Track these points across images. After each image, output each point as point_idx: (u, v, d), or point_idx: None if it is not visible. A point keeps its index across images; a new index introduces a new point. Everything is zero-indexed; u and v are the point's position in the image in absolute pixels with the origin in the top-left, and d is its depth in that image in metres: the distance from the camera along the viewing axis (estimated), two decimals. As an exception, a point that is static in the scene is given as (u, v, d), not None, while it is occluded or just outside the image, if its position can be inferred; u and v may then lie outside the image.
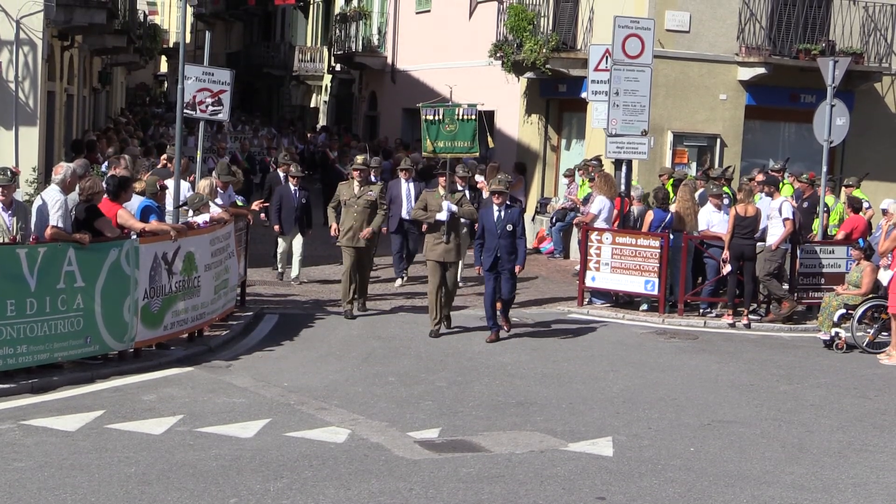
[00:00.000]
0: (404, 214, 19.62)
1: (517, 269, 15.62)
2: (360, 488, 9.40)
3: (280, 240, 19.70)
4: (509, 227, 15.31)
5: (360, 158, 17.94)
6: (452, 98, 17.70)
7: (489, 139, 16.95)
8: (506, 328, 15.96)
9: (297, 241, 19.45)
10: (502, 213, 15.40)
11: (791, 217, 17.58)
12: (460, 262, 16.43)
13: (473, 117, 16.48)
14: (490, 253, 15.38)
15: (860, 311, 16.23)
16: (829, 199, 19.73)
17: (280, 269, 19.79)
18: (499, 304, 15.87)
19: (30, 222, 12.67)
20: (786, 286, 18.15)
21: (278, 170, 21.47)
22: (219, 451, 10.17)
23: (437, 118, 16.48)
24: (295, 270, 19.55)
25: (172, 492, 9.07)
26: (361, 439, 10.78)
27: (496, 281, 15.50)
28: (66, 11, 21.69)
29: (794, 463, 10.72)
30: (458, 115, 16.46)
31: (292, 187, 19.50)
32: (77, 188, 13.25)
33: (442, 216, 15.78)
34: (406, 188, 19.92)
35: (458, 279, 16.51)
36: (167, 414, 11.29)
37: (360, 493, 9.29)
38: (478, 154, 17.55)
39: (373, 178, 19.30)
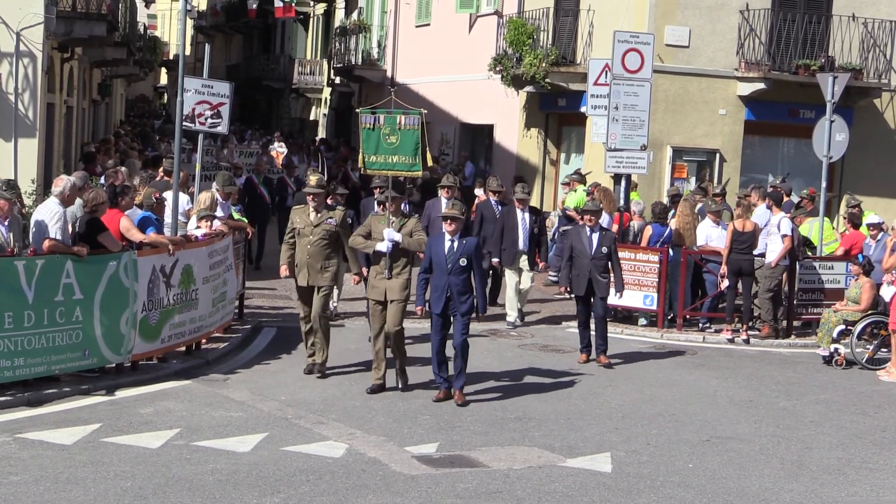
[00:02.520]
0: None
1: (478, 315, 13.25)
2: (357, 503, 9.36)
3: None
4: (462, 262, 12.78)
5: (313, 179, 14.60)
6: (426, 109, 16.48)
7: (428, 157, 13.81)
8: (457, 398, 12.81)
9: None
10: (455, 244, 12.89)
11: (790, 234, 17.56)
12: (406, 302, 13.38)
13: (416, 127, 13.55)
14: (439, 292, 12.83)
15: (859, 327, 16.20)
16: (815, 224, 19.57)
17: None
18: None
19: (26, 235, 12.65)
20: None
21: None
22: (216, 466, 10.12)
23: (376, 126, 13.77)
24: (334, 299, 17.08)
25: (169, 506, 9.04)
26: (359, 454, 10.75)
27: (446, 328, 12.95)
28: (66, 23, 21.75)
29: (793, 480, 10.68)
30: (400, 123, 13.60)
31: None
32: (79, 201, 13.24)
33: (382, 247, 13.20)
34: (445, 206, 17.86)
35: (401, 321, 13.27)
36: (164, 427, 11.25)
37: (358, 508, 9.25)
38: (419, 174, 14.44)
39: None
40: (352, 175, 27.53)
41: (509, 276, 17.92)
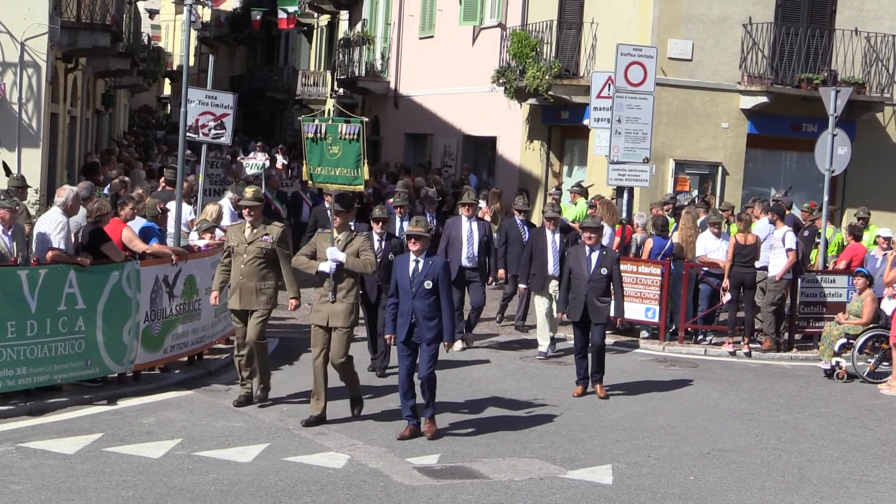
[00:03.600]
0: (464, 261, 16.52)
1: (446, 345, 11.97)
2: (359, 514, 9.37)
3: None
4: (428, 284, 11.57)
5: (249, 192, 13.19)
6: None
7: (366, 169, 12.53)
8: (427, 431, 11.80)
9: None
10: (420, 265, 11.70)
11: (794, 247, 17.58)
12: (352, 330, 12.20)
13: (356, 136, 12.37)
14: (404, 318, 11.72)
15: (861, 340, 16.20)
16: (829, 230, 19.71)
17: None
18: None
19: (29, 244, 12.68)
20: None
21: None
22: (217, 476, 10.13)
23: (318, 136, 12.58)
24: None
25: (170, 516, 9.05)
26: (360, 465, 10.75)
27: (413, 356, 11.81)
28: (70, 34, 21.81)
29: (794, 493, 10.68)
30: (341, 132, 12.41)
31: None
32: (83, 210, 13.28)
33: (325, 267, 11.99)
34: (468, 228, 16.70)
35: (347, 351, 12.10)
36: (166, 437, 11.26)
37: (359, 519, 9.25)
38: (361, 188, 13.05)
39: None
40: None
41: (539, 303, 16.62)
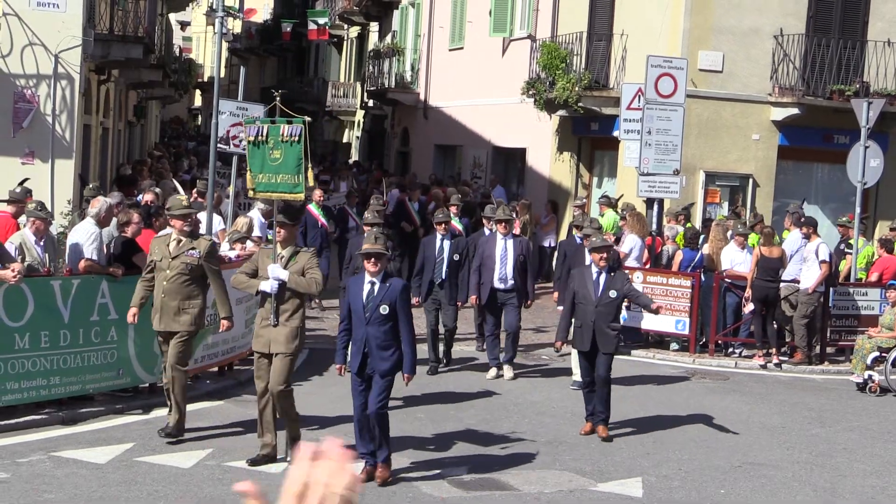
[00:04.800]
0: (496, 282, 15.44)
1: (406, 378, 10.63)
2: (388, 526, 9.37)
3: None
4: (384, 309, 10.33)
5: (182, 199, 12.07)
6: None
7: (310, 174, 11.41)
8: (380, 476, 10.53)
9: None
10: (375, 287, 10.44)
11: (828, 260, 17.48)
12: (295, 357, 11.08)
13: (298, 138, 11.03)
14: (357, 347, 10.50)
15: (894, 354, 16.09)
16: (859, 241, 19.57)
17: None
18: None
19: (61, 254, 12.78)
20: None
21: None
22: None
23: (260, 138, 11.20)
24: None
25: (201, 526, 9.08)
26: (390, 476, 10.75)
27: (368, 389, 10.55)
28: (103, 46, 21.97)
29: (826, 507, 10.61)
30: (283, 134, 11.06)
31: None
32: (115, 221, 13.38)
33: (266, 287, 10.77)
34: (503, 246, 15.56)
35: (288, 379, 10.87)
36: (196, 448, 11.30)
37: (388, 530, 9.26)
38: (302, 197, 11.51)
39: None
40: (410, 208, 24.11)
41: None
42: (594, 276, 12.60)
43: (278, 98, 11.33)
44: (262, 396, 10.92)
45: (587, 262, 13.77)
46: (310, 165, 11.19)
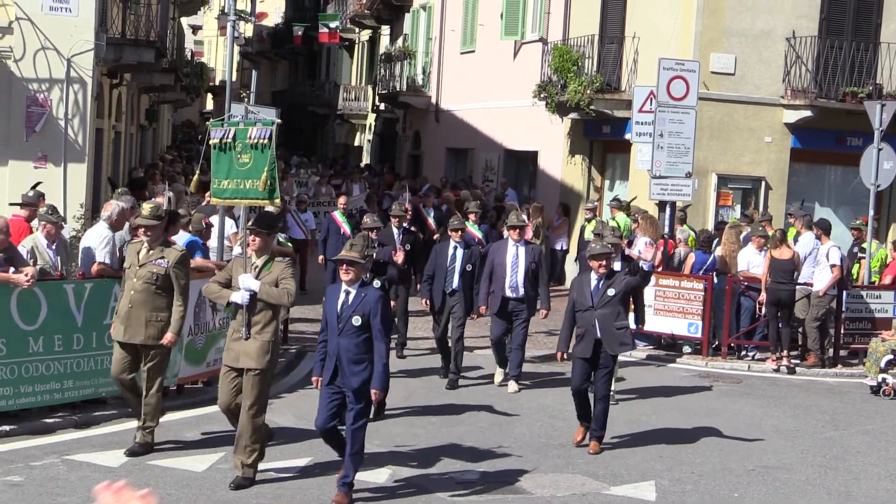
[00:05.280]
0: (507, 291, 14.81)
1: (374, 393, 9.95)
2: (401, 529, 9.36)
3: None
4: (356, 320, 9.82)
5: (146, 208, 11.36)
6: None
7: (276, 177, 10.48)
8: (335, 500, 9.82)
9: (399, 317, 15.92)
10: (350, 297, 9.93)
11: (839, 263, 17.44)
12: (268, 374, 10.46)
13: (267, 140, 10.45)
14: (330, 358, 9.98)
15: (907, 357, 16.05)
16: (873, 244, 19.52)
17: None
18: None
19: (73, 258, 12.80)
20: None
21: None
22: (260, 489, 10.16)
23: (226, 140, 10.67)
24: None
25: (214, 529, 9.07)
26: (402, 479, 10.75)
27: (339, 404, 9.98)
28: (115, 50, 22.03)
29: (841, 511, 10.57)
30: (251, 136, 10.47)
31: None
32: (128, 225, 13.40)
33: (237, 297, 10.28)
34: (514, 253, 14.91)
35: (260, 399, 10.28)
36: (209, 451, 11.30)
37: (401, 534, 9.25)
38: (277, 203, 10.90)
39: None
40: (425, 214, 23.35)
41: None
42: (593, 283, 12.03)
43: (246, 99, 10.93)
44: (226, 413, 10.42)
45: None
46: (274, 169, 10.45)
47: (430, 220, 22.87)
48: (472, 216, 17.43)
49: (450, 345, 15.33)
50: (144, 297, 10.97)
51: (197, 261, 13.92)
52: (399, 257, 13.92)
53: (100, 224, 12.96)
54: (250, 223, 10.56)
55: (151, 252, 11.05)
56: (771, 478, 11.52)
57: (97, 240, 12.65)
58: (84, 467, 10.55)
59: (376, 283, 12.45)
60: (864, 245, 19.28)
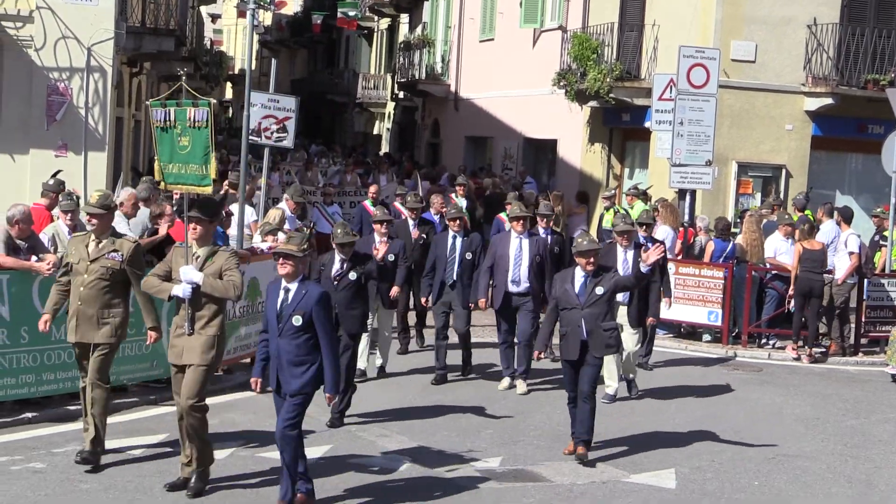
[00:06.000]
0: (510, 285, 14.06)
1: (327, 398, 9.49)
2: (421, 516, 9.39)
3: None
4: (297, 320, 9.19)
5: (95, 197, 10.49)
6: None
7: (212, 166, 9.66)
8: None
9: (383, 317, 14.64)
10: (290, 294, 9.31)
11: (857, 251, 17.36)
12: (211, 369, 9.90)
13: (205, 122, 9.72)
14: (272, 362, 9.44)
15: (929, 345, 15.97)
16: (894, 232, 19.30)
17: (360, 365, 14.01)
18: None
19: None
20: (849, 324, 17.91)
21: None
22: (279, 478, 10.17)
23: (168, 123, 9.91)
24: (377, 360, 14.65)
25: (234, 516, 9.11)
26: (422, 467, 10.76)
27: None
28: (135, 39, 22.13)
29: (862, 499, 10.55)
30: (190, 118, 9.75)
31: (377, 238, 13.81)
32: (147, 211, 13.45)
33: (178, 291, 9.60)
34: (517, 246, 14.13)
35: (200, 393, 9.72)
36: (229, 438, 11.34)
37: (421, 521, 9.27)
38: (209, 190, 9.93)
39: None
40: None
41: None
42: (579, 280, 11.27)
43: (184, 77, 10.34)
44: (181, 418, 9.79)
45: (617, 260, 13.36)
46: (213, 154, 9.73)
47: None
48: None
49: (440, 340, 14.53)
50: (95, 294, 10.17)
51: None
52: (380, 252, 12.80)
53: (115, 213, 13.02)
54: (190, 210, 9.84)
55: (102, 245, 10.23)
56: (791, 466, 11.49)
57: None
58: (104, 456, 10.58)
59: (352, 276, 12.14)
60: (886, 233, 19.17)
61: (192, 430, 9.64)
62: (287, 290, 9.27)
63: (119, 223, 12.77)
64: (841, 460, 11.83)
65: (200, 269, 9.58)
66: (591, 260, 11.21)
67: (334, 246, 12.48)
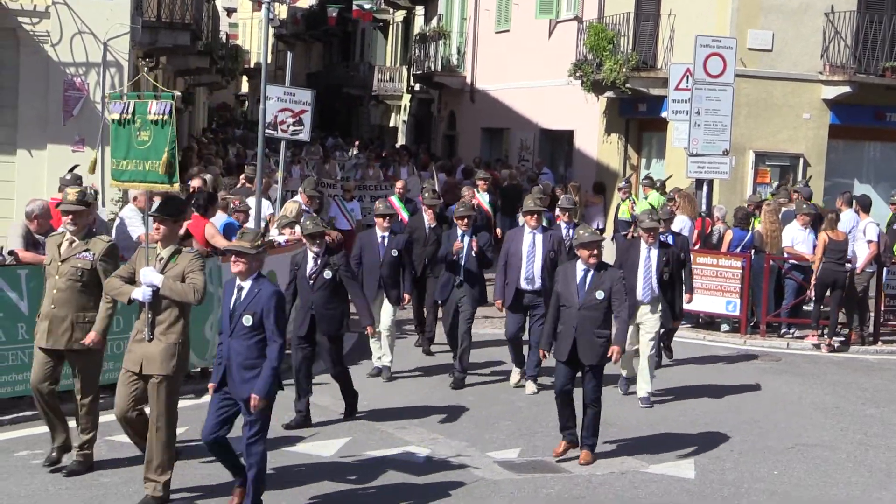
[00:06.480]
0: (522, 282, 13.44)
1: (254, 400, 8.82)
2: (440, 508, 9.40)
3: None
4: (247, 320, 8.83)
5: (71, 193, 10.08)
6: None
7: (176, 155, 9.09)
8: None
9: (386, 314, 14.17)
10: (243, 293, 8.94)
11: (876, 239, 17.28)
12: (176, 379, 9.33)
13: (167, 116, 9.17)
14: (219, 359, 9.08)
15: (949, 333, 15.89)
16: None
17: (377, 363, 14.26)
18: None
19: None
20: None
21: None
22: (300, 470, 10.21)
23: (125, 116, 9.39)
24: (385, 358, 14.25)
25: (254, 509, 9.13)
26: (441, 459, 10.77)
27: (229, 415, 9.07)
28: (151, 33, 22.16)
29: (882, 489, 10.51)
30: (150, 111, 9.21)
31: (379, 233, 14.05)
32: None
33: (138, 294, 9.15)
34: (530, 241, 13.52)
35: (169, 409, 9.21)
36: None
37: (440, 512, 9.29)
38: (177, 188, 9.47)
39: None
40: (480, 199, 19.54)
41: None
42: (580, 274, 10.75)
43: (146, 68, 9.87)
44: (122, 422, 9.42)
45: (640, 257, 13.03)
46: (175, 151, 9.17)
47: (486, 206, 19.88)
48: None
49: (453, 340, 14.21)
50: (68, 296, 9.71)
51: (234, 242, 13.95)
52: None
53: (129, 206, 13.07)
54: (154, 209, 9.46)
55: (75, 244, 9.76)
56: (811, 455, 11.46)
57: (127, 221, 12.75)
58: (125, 448, 10.60)
59: (327, 274, 11.72)
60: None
61: (158, 443, 9.13)
62: (240, 289, 8.91)
63: (133, 218, 12.80)
64: (861, 449, 11.79)
65: (162, 271, 9.13)
66: (595, 252, 10.69)
67: (304, 239, 12.12)
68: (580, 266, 10.77)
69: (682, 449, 11.46)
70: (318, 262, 11.79)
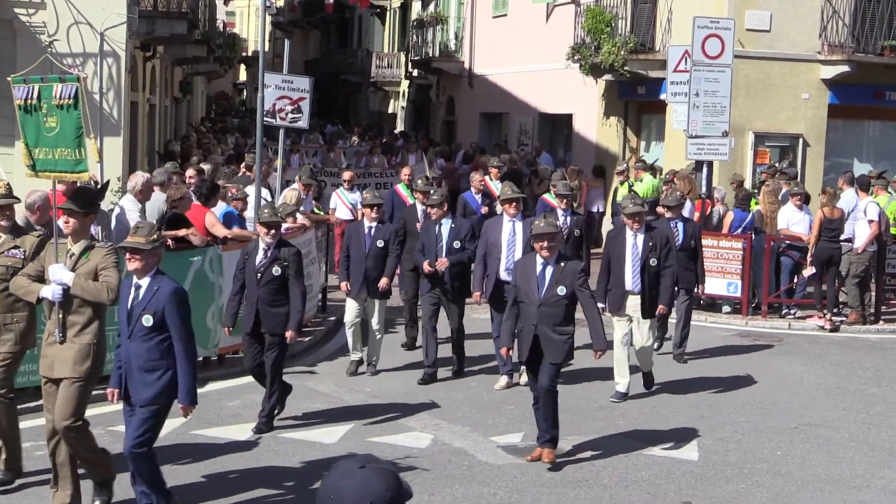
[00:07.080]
0: (503, 273, 12.70)
1: (182, 409, 8.45)
2: (444, 493, 9.41)
3: (347, 304, 13.74)
4: (147, 320, 8.16)
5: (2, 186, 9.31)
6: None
7: (93, 147, 8.34)
8: None
9: (372, 309, 13.49)
10: (141, 292, 8.25)
11: (876, 219, 17.28)
12: (87, 383, 8.59)
13: (73, 100, 8.56)
14: (118, 363, 8.42)
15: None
16: (883, 197, 18.98)
17: (354, 357, 13.66)
18: None
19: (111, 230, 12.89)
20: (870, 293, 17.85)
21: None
22: (303, 457, 10.24)
23: (31, 101, 8.75)
24: (371, 353, 13.67)
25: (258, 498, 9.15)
26: (444, 444, 10.79)
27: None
28: (148, 23, 22.14)
29: (885, 467, 10.52)
30: (56, 95, 8.60)
31: (367, 224, 13.49)
32: (163, 196, 13.46)
33: (47, 293, 8.45)
34: (510, 230, 12.90)
35: (78, 412, 8.47)
36: (251, 420, 11.36)
37: (444, 497, 9.31)
38: (86, 175, 8.96)
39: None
40: (491, 186, 18.54)
41: (617, 328, 12.71)
42: (538, 268, 10.08)
43: (51, 49, 9.27)
44: (51, 437, 8.57)
45: (626, 245, 12.44)
46: (92, 136, 8.63)
47: (498, 193, 18.72)
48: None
49: (429, 332, 13.48)
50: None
51: (235, 231, 13.98)
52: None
53: (126, 197, 13.06)
54: (65, 201, 8.84)
55: (2, 241, 9.08)
56: (814, 435, 11.47)
57: (126, 211, 12.74)
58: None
59: (276, 271, 11.04)
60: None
61: (75, 451, 8.51)
62: (138, 287, 8.22)
63: (130, 208, 12.79)
64: (863, 428, 11.80)
65: (73, 269, 8.45)
66: (544, 244, 9.96)
67: (258, 227, 11.54)
68: (539, 259, 10.12)
69: (685, 430, 11.47)
70: (268, 255, 11.08)
